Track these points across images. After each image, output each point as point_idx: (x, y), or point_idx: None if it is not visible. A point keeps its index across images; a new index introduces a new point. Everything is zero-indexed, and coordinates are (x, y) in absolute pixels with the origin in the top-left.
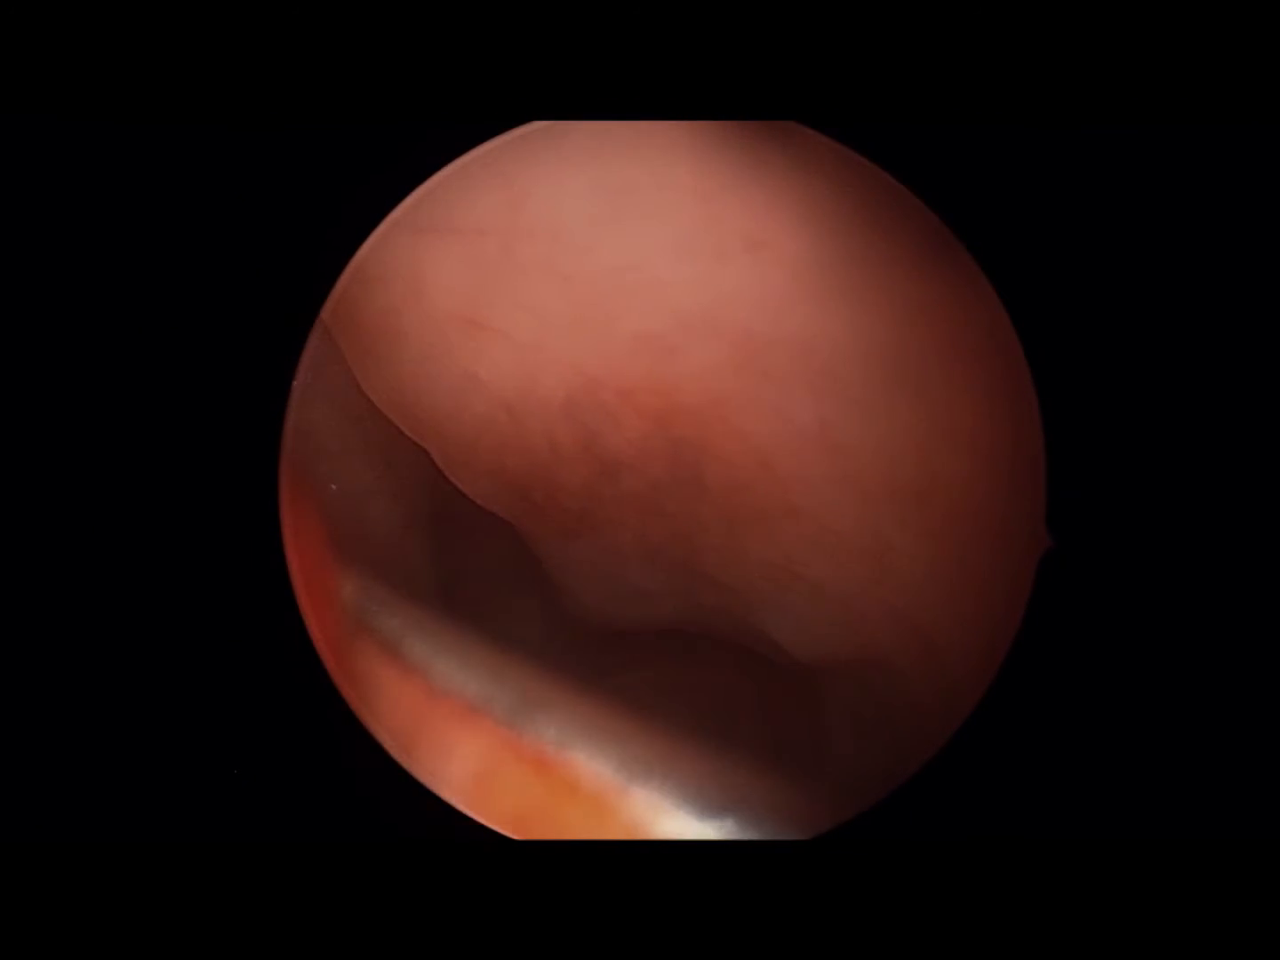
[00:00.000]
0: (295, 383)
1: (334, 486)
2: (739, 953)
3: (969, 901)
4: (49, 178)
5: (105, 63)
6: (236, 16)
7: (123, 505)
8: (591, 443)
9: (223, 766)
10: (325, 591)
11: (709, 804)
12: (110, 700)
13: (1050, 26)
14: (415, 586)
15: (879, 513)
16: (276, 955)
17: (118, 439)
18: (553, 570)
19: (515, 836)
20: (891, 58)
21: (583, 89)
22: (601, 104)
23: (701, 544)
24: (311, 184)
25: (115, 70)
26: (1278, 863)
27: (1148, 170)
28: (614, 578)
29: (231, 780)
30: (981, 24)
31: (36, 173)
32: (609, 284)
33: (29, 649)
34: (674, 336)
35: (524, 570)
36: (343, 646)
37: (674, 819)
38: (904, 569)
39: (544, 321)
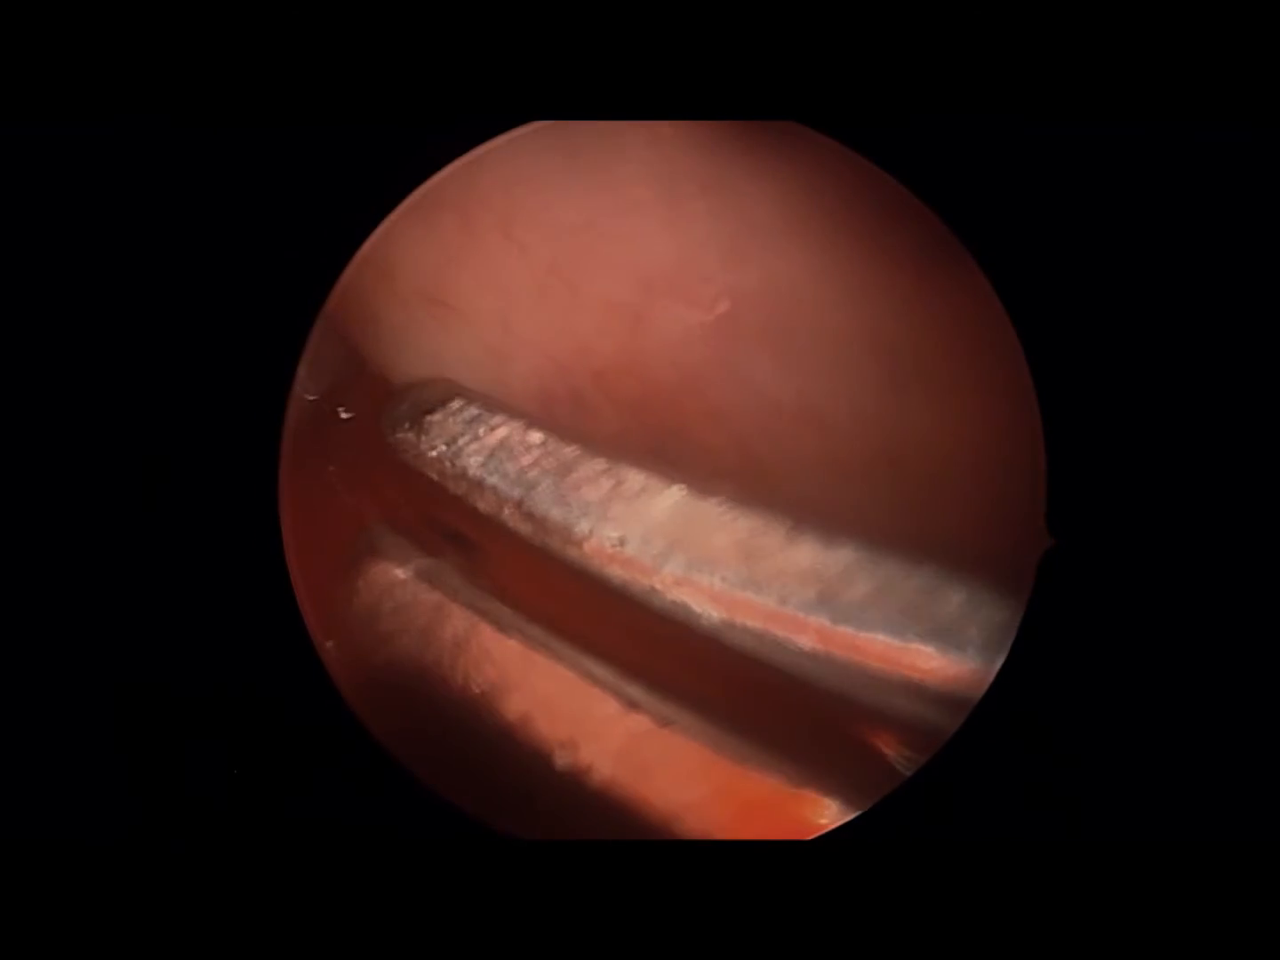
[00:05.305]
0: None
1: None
2: (739, 953)
3: (969, 902)
4: (53, 178)
5: (108, 63)
6: (236, 16)
7: (122, 499)
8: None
9: (223, 766)
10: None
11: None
12: (109, 700)
13: (1050, 27)
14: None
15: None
16: (276, 955)
17: (118, 433)
18: None
19: None
20: (891, 58)
21: (583, 89)
22: (601, 104)
23: None
24: (311, 184)
25: (117, 70)
26: (1278, 863)
27: (1147, 170)
28: None
29: (231, 780)
30: (981, 24)
31: (41, 174)
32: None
33: (29, 647)
34: (639, 300)
35: None
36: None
37: None
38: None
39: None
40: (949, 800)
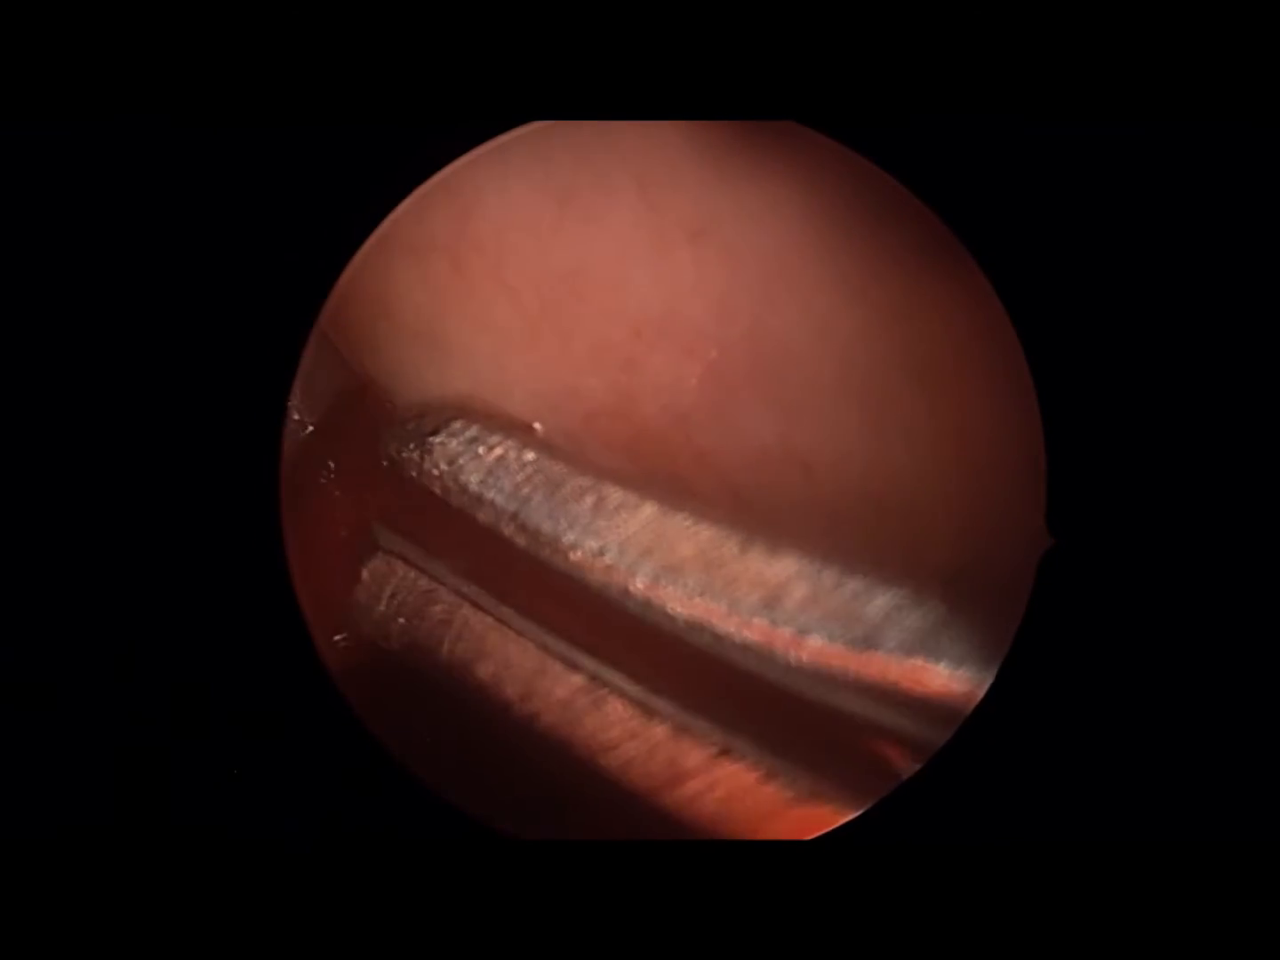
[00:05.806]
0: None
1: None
2: (739, 953)
3: (968, 904)
4: (43, 177)
5: (106, 62)
6: (236, 16)
7: (123, 506)
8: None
9: (223, 766)
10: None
11: None
12: (108, 699)
13: (1051, 27)
14: None
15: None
16: (275, 955)
17: (118, 440)
18: None
19: None
20: (891, 58)
21: (582, 89)
22: (601, 104)
23: None
24: (307, 186)
25: (115, 70)
26: (1278, 863)
27: (1147, 170)
28: None
29: (231, 780)
30: (981, 24)
31: (34, 174)
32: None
33: (29, 646)
34: (629, 345)
35: None
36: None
37: None
38: None
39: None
40: (948, 802)
